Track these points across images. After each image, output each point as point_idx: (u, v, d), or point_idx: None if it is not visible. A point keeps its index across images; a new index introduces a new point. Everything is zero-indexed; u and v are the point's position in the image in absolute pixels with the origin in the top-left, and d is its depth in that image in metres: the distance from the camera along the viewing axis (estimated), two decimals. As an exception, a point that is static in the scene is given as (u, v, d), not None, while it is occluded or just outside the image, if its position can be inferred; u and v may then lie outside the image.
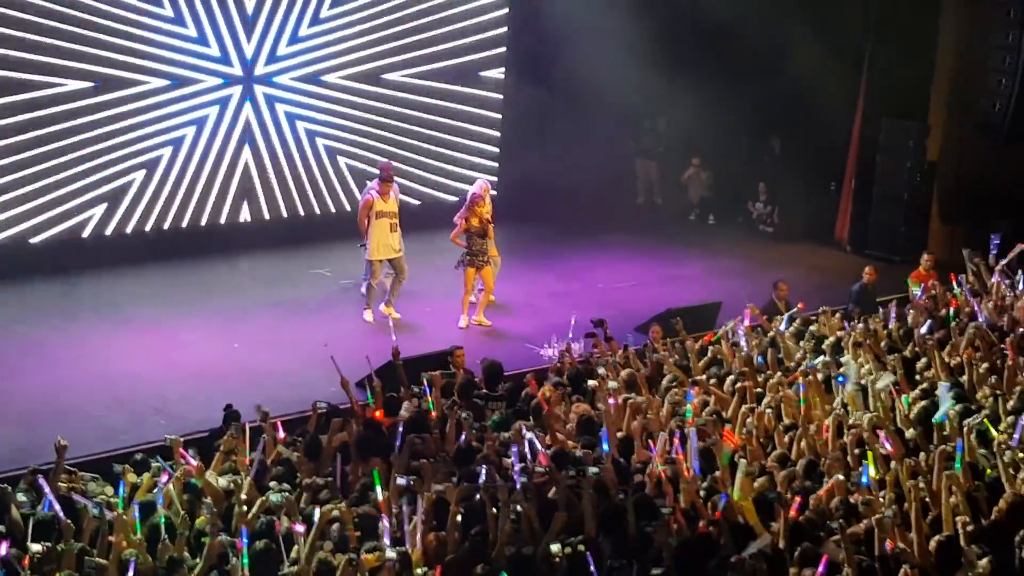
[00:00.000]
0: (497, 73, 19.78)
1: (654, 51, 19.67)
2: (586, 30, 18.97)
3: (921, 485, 8.66)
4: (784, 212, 20.27)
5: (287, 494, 8.43)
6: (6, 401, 11.99)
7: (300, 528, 7.72)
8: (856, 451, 9.59)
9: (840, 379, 11.09)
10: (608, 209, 20.34)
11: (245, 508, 8.38)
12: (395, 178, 15.13)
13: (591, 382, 11.22)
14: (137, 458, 9.81)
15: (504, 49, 19.75)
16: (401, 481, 8.55)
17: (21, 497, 8.55)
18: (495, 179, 19.28)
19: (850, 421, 10.17)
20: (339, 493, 8.94)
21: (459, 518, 8.27)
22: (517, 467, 8.78)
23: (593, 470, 8.86)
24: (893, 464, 9.24)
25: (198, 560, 7.78)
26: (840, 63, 19.30)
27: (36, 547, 7.53)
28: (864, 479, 8.94)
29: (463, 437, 10.00)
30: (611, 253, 18.47)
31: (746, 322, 13.13)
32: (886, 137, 18.88)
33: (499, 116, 19.95)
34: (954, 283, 14.30)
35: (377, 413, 10.50)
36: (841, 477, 9.00)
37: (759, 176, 20.72)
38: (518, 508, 8.24)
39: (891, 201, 18.92)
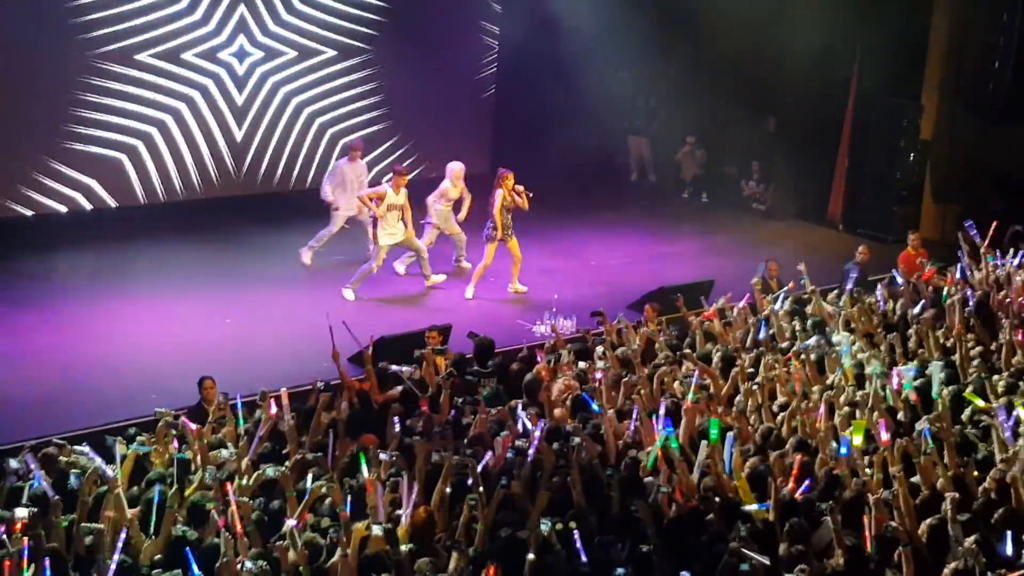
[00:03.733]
0: (489, 51, 19.72)
1: (647, 29, 19.68)
2: (578, 6, 18.93)
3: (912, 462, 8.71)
4: (777, 191, 20.27)
5: (283, 469, 8.43)
6: (-1, 375, 11.98)
7: (292, 523, 7.68)
8: (848, 431, 9.61)
9: (845, 349, 11.12)
10: (601, 187, 20.33)
11: (243, 480, 8.39)
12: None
13: (581, 363, 11.21)
14: (131, 432, 9.80)
15: (496, 26, 19.68)
16: (383, 456, 8.55)
17: (13, 464, 8.57)
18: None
19: (842, 399, 10.18)
20: (329, 469, 8.93)
21: (448, 490, 8.30)
22: (536, 439, 8.84)
23: (577, 440, 8.88)
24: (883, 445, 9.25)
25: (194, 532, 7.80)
26: (834, 42, 19.29)
27: (22, 512, 7.53)
28: (843, 450, 8.95)
29: (454, 412, 10.03)
30: (604, 230, 18.47)
31: (742, 303, 13.14)
32: (879, 116, 18.89)
33: (491, 93, 19.89)
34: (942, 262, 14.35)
35: (364, 385, 10.49)
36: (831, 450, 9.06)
37: (753, 155, 20.72)
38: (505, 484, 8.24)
39: (884, 180, 18.95)
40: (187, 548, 7.35)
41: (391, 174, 15.34)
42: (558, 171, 19.87)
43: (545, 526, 7.65)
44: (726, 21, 19.31)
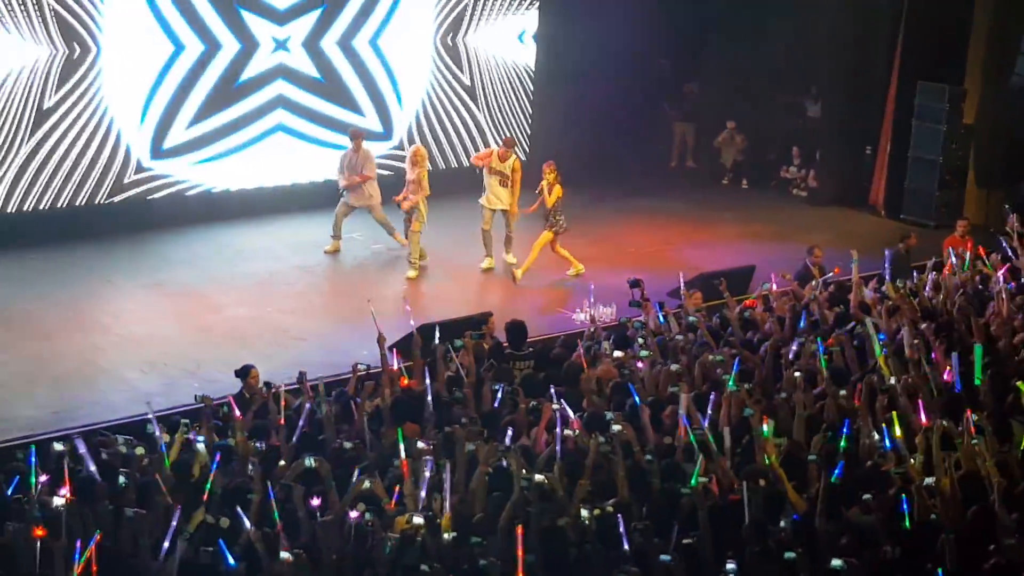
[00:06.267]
0: (529, 38, 19.67)
1: (688, 14, 19.62)
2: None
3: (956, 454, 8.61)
4: (818, 176, 20.12)
5: (321, 458, 8.44)
6: (41, 365, 12.07)
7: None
8: (888, 415, 9.53)
9: (882, 336, 11.03)
10: (640, 173, 20.27)
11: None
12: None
13: (618, 352, 11.14)
14: (172, 420, 9.84)
15: (536, 14, 19.62)
16: (421, 444, 8.56)
17: (58, 447, 8.64)
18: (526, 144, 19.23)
19: (885, 385, 10.09)
20: (368, 457, 8.94)
21: (486, 477, 8.30)
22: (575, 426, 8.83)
23: (617, 427, 8.84)
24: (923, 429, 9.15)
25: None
26: (876, 25, 19.15)
27: (58, 500, 7.59)
28: (887, 443, 8.86)
29: (496, 402, 10.01)
30: (643, 217, 18.41)
31: (774, 287, 13.06)
32: (922, 100, 18.69)
33: (531, 80, 19.85)
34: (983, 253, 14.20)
35: (403, 380, 10.48)
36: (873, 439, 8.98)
37: (793, 140, 20.59)
38: (540, 477, 8.20)
39: (926, 165, 18.76)
40: (220, 539, 7.38)
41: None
42: (596, 157, 19.83)
43: (586, 512, 7.63)
44: (768, 5, 19.19)
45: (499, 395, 10.04)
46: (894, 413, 9.32)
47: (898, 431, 8.96)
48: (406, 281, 15.02)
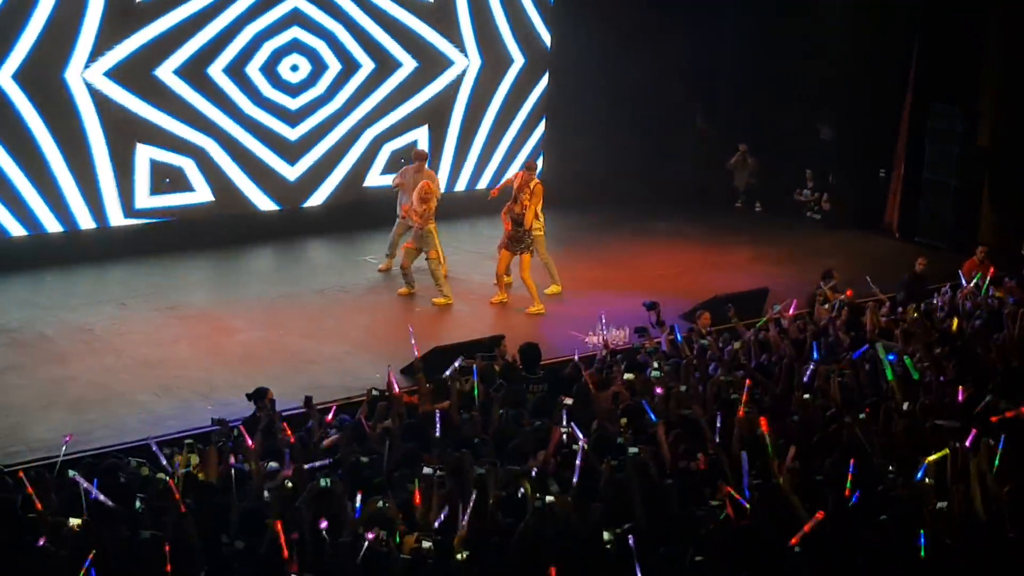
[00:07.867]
0: (542, 60, 19.73)
1: (700, 37, 19.65)
2: (631, 14, 18.91)
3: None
4: (832, 199, 20.11)
5: (336, 478, 8.43)
6: (55, 388, 12.09)
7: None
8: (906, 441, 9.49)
9: (891, 356, 11.00)
10: (652, 196, 20.28)
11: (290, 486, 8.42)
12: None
13: (628, 375, 11.12)
14: (186, 443, 9.83)
15: (549, 36, 19.68)
16: (427, 471, 8.53)
17: (72, 472, 8.63)
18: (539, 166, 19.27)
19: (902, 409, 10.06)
20: (382, 474, 8.92)
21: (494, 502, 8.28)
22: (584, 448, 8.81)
23: (633, 450, 8.80)
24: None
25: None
26: (890, 47, 19.17)
27: (75, 521, 7.59)
28: (919, 475, 8.81)
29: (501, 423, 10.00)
30: (656, 240, 18.41)
31: (791, 310, 13.04)
32: (935, 122, 18.69)
33: (544, 102, 19.88)
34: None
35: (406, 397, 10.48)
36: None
37: (806, 162, 20.59)
38: (551, 497, 8.17)
39: (941, 188, 18.74)
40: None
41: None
42: (610, 180, 19.85)
43: (607, 535, 7.60)
44: (782, 28, 19.22)
45: (505, 417, 10.02)
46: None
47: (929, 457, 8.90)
48: (434, 306, 14.92)
